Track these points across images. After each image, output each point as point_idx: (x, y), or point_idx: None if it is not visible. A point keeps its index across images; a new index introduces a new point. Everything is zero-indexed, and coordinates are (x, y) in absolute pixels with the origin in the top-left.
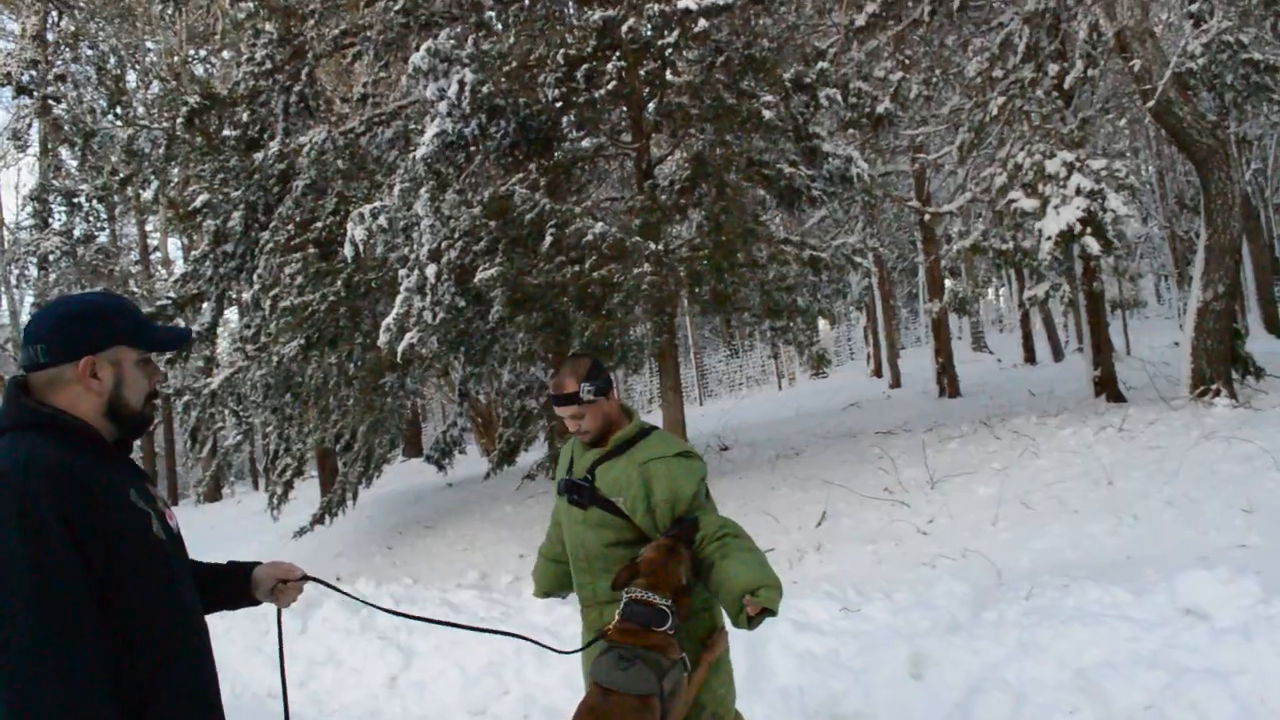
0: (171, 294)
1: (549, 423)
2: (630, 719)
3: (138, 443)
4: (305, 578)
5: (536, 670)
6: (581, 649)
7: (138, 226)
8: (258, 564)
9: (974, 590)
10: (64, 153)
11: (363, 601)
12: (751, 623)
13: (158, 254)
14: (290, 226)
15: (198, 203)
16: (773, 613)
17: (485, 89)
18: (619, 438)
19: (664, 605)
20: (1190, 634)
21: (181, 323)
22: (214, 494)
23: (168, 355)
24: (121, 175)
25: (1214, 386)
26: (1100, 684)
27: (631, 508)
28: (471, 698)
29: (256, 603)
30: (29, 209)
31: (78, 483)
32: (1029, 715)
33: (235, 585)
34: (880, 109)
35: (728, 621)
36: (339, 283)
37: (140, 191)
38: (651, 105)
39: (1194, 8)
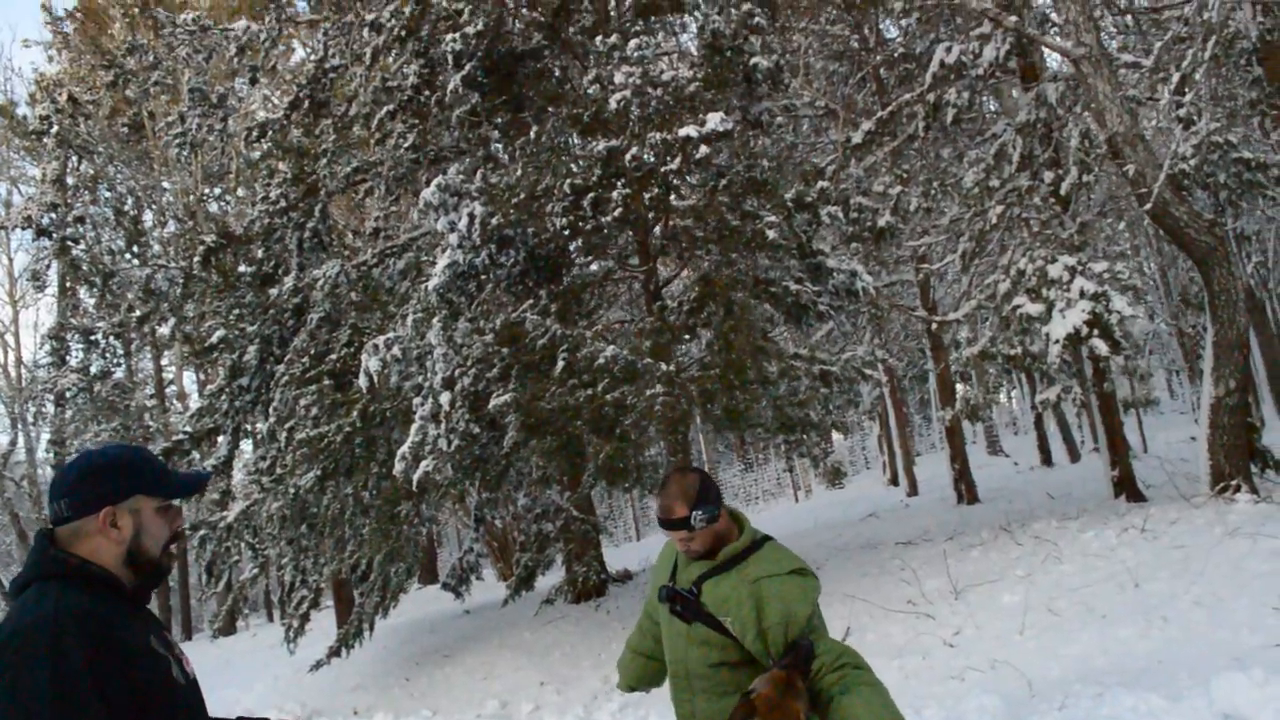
0: (187, 428)
1: (566, 546)
2: None
3: None
4: None
5: None
6: None
7: (153, 361)
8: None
9: (1005, 703)
10: (82, 292)
11: None
12: None
13: (173, 388)
14: (305, 359)
15: (214, 339)
16: None
17: (494, 220)
18: (729, 552)
19: None
20: None
21: (197, 456)
22: (229, 627)
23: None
24: (139, 313)
25: (1234, 482)
26: None
27: (741, 630)
28: None
29: None
30: (46, 347)
31: (105, 630)
32: None
33: None
34: (881, 222)
35: None
36: (354, 413)
37: (157, 328)
38: (657, 229)
39: (1182, 112)
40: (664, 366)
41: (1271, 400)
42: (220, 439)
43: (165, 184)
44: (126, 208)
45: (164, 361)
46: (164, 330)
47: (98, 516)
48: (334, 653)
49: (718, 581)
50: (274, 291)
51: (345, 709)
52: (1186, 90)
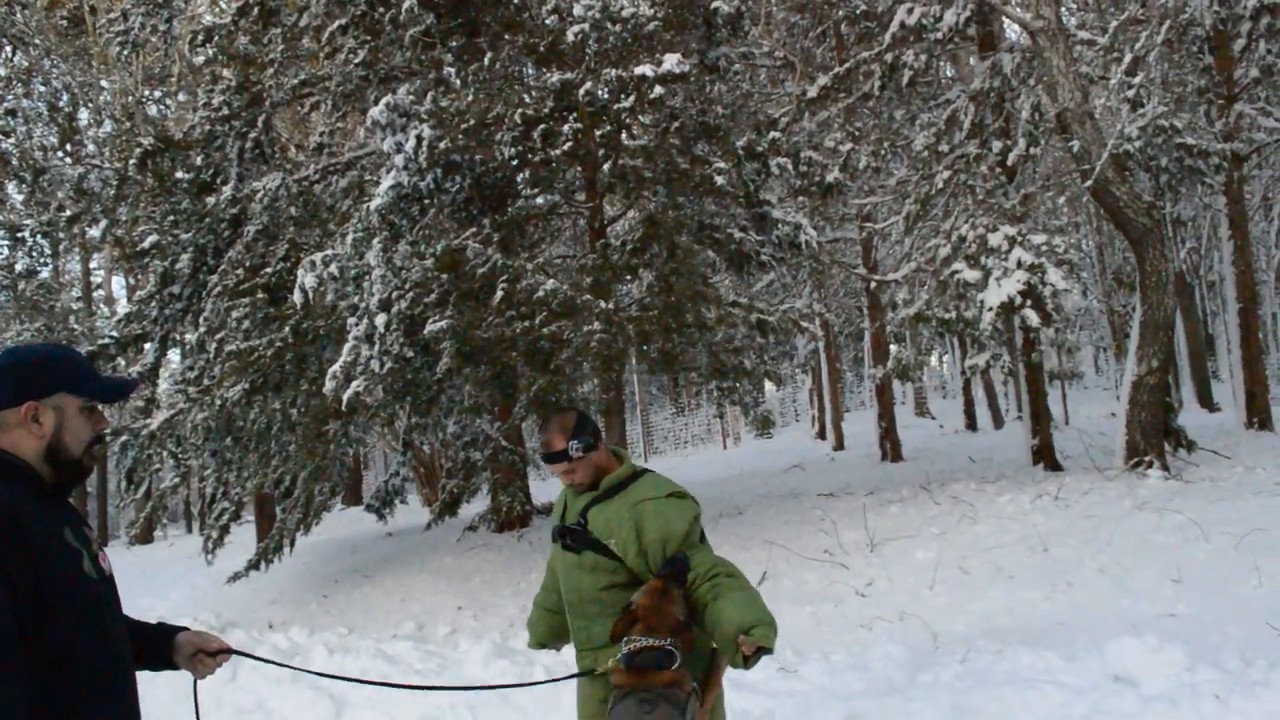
0: (114, 333)
1: (493, 475)
2: None
3: None
4: (226, 650)
5: None
6: (575, 675)
7: (82, 264)
8: (184, 629)
9: (910, 653)
10: (10, 187)
11: (294, 669)
12: (748, 662)
13: (100, 293)
14: (239, 271)
15: (146, 244)
16: (769, 650)
17: (442, 144)
18: (610, 480)
19: (668, 645)
20: (1119, 700)
21: (123, 362)
22: (146, 536)
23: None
24: (70, 213)
25: (1147, 458)
26: None
27: (623, 549)
28: None
29: (176, 668)
30: None
31: (15, 520)
32: None
33: (158, 646)
34: (830, 178)
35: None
36: (287, 329)
37: (87, 230)
38: (606, 167)
39: (1131, 93)
40: (603, 304)
41: (1191, 383)
42: (148, 346)
43: (104, 83)
44: (61, 104)
45: (93, 265)
46: (94, 232)
47: (19, 410)
48: (253, 566)
49: (602, 508)
50: (211, 200)
51: (261, 622)
52: (1138, 72)
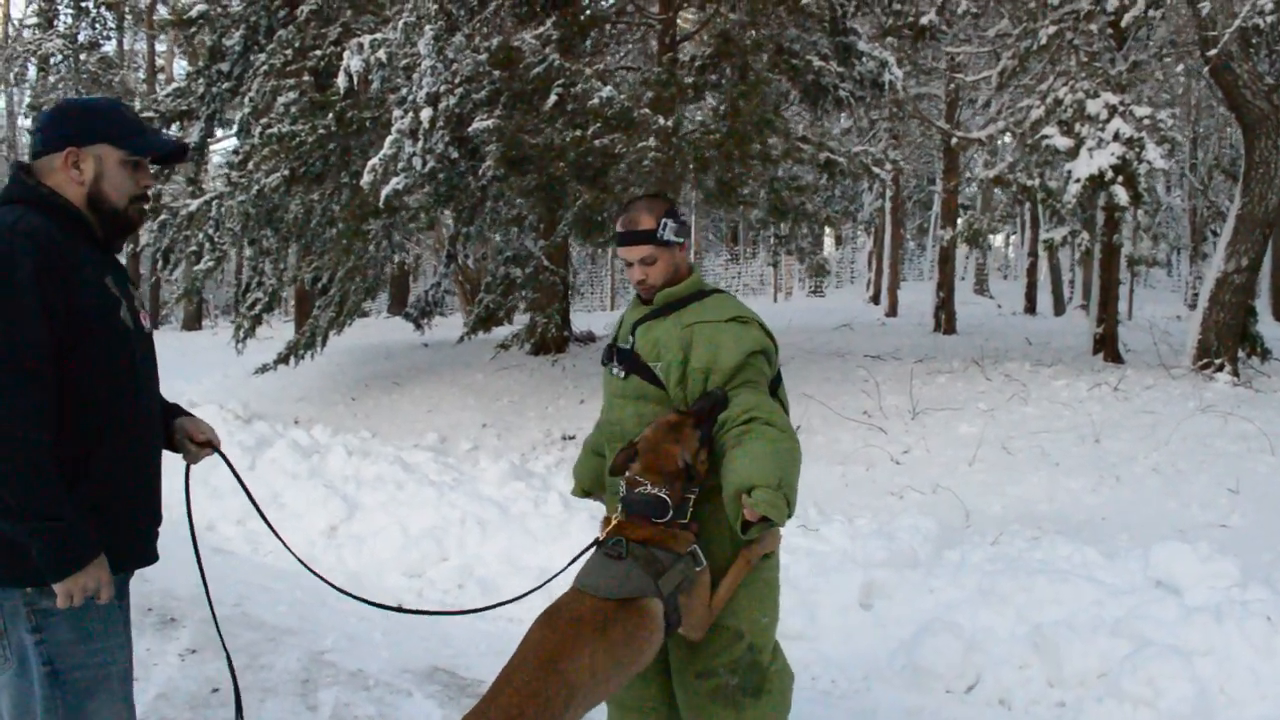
0: (159, 107)
1: (531, 294)
2: (596, 626)
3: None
4: (207, 444)
5: (479, 541)
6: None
7: (147, 43)
8: (185, 414)
9: (940, 528)
10: None
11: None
12: (746, 530)
13: (164, 75)
14: (289, 51)
15: (194, 12)
16: (771, 522)
17: None
18: (668, 295)
19: (658, 493)
20: (1159, 607)
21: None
22: (194, 323)
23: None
24: None
25: (1219, 361)
26: (1056, 643)
27: (666, 374)
28: (409, 559)
29: (172, 449)
30: (34, 6)
31: (57, 251)
32: (977, 663)
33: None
34: (924, 19)
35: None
36: (330, 115)
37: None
38: None
39: None
40: (662, 121)
41: (1268, 294)
42: (195, 124)
43: None
44: None
45: (159, 45)
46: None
47: (61, 155)
48: (282, 360)
49: (651, 326)
50: None
51: (287, 416)
52: None
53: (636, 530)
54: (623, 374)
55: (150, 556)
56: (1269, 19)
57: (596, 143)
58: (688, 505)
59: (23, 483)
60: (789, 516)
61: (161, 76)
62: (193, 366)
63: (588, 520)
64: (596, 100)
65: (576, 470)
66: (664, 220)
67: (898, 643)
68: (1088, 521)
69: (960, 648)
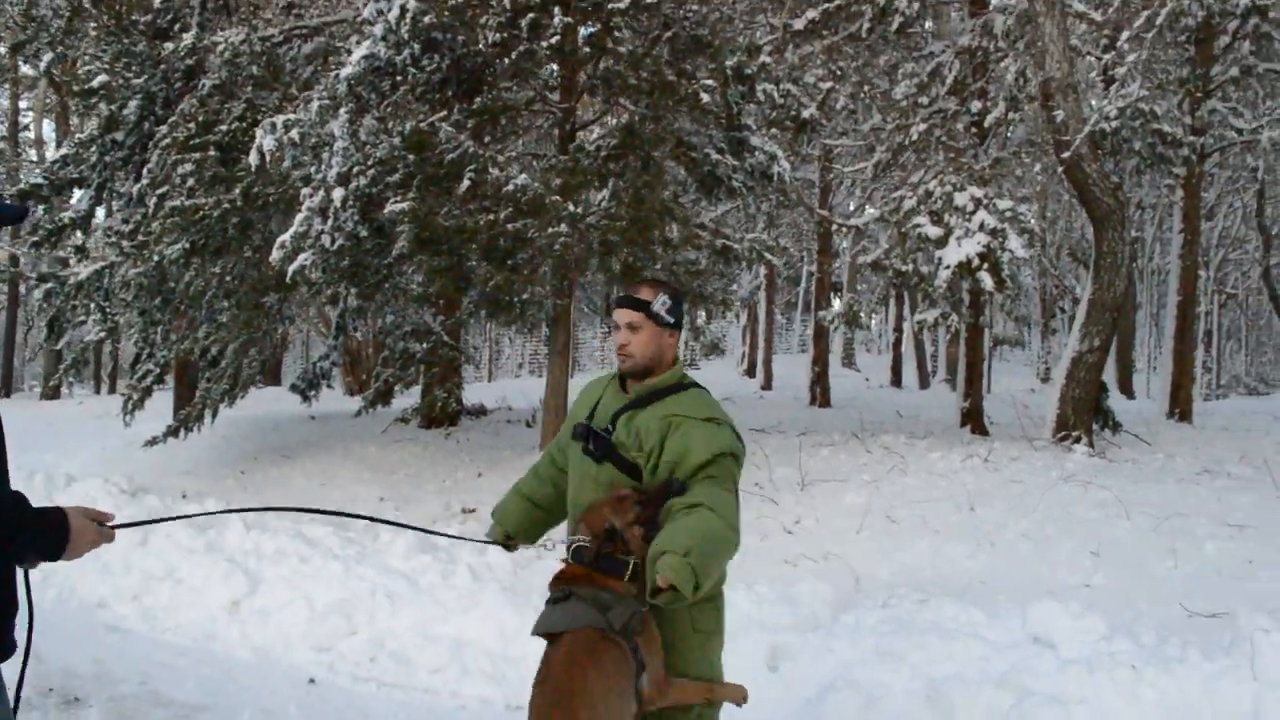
0: (44, 176)
1: (429, 370)
2: (586, 656)
3: None
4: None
5: (389, 614)
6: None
7: (10, 100)
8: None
9: (835, 592)
10: None
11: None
12: (656, 596)
13: (28, 133)
14: (191, 125)
15: (95, 83)
16: (677, 590)
17: (427, 19)
18: (652, 385)
19: (583, 541)
20: (1038, 660)
21: (54, 204)
22: (54, 393)
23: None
24: (13, 41)
25: (1076, 433)
26: (949, 696)
27: (644, 461)
28: (318, 633)
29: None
30: None
31: None
32: (875, 717)
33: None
34: (805, 114)
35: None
36: (237, 191)
37: (22, 63)
38: (589, 68)
39: (1118, 71)
40: (571, 207)
41: (1114, 369)
42: (83, 192)
43: None
44: None
45: (22, 103)
46: (36, 68)
47: None
48: (172, 432)
49: (633, 415)
50: (169, 47)
51: (175, 490)
52: (1127, 53)
53: (572, 571)
54: (597, 459)
55: (8, 648)
56: (1113, 124)
57: (509, 226)
58: (609, 559)
59: None
60: (695, 589)
61: (24, 135)
62: (62, 439)
63: (498, 592)
64: (511, 186)
65: (503, 512)
66: (662, 298)
67: (803, 701)
68: (969, 584)
69: (861, 703)
